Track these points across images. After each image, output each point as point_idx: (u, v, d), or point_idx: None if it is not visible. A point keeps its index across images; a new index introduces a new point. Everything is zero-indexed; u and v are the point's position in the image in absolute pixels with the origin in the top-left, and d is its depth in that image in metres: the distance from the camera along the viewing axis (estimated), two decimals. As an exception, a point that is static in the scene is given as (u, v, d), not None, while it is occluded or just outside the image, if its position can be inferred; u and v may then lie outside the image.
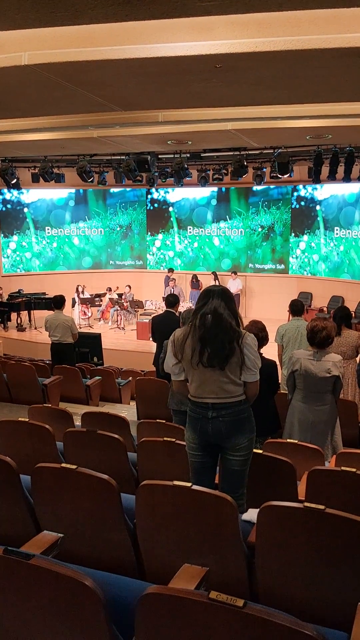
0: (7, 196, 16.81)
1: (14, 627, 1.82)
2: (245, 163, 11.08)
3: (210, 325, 3.11)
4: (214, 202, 17.30)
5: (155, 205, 18.14)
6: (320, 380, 4.49)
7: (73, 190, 17.55)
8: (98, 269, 18.29)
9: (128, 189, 17.92)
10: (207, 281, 16.47)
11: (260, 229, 16.85)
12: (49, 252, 17.74)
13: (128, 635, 1.75)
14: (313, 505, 2.19)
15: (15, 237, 17.22)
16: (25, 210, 17.28)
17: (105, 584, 1.88)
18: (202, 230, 17.59)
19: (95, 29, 4.05)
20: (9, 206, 17.06)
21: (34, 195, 17.21)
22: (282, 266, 16.69)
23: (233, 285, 15.55)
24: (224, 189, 16.92)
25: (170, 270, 16.98)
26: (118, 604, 1.88)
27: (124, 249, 18.50)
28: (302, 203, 16.16)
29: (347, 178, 11.30)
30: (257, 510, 2.32)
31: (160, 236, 18.13)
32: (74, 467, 2.58)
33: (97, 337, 11.22)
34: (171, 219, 17.92)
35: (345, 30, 3.74)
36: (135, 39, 4.06)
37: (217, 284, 14.90)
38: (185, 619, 1.52)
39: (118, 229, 18.38)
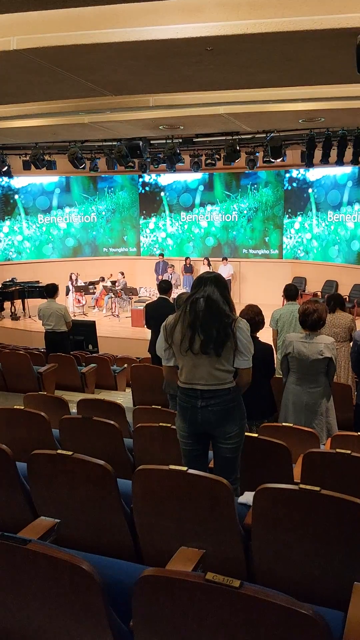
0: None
1: (12, 612, 1.83)
2: (237, 147, 11.02)
3: (203, 312, 3.11)
4: (205, 185, 17.28)
5: (147, 188, 18.07)
6: (313, 362, 4.51)
7: (64, 176, 17.43)
8: (90, 255, 18.22)
9: (119, 175, 17.81)
10: (199, 266, 16.51)
11: (246, 212, 16.86)
12: (40, 237, 17.65)
13: (126, 618, 1.76)
14: (308, 487, 2.21)
15: (7, 222, 17.11)
16: (16, 196, 17.16)
17: (103, 567, 1.89)
18: (192, 214, 17.57)
19: (84, 12, 4.00)
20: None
21: (24, 181, 17.05)
22: (276, 251, 16.72)
23: (224, 270, 15.57)
24: (215, 173, 16.87)
25: (161, 255, 16.98)
26: (115, 587, 1.89)
27: (116, 234, 18.44)
28: (295, 184, 16.17)
29: (339, 161, 11.25)
30: (253, 493, 2.33)
31: (153, 219, 18.08)
32: (69, 453, 2.58)
33: (91, 325, 11.21)
34: (163, 202, 17.87)
35: (337, 11, 3.70)
36: (125, 22, 4.01)
37: (210, 269, 14.97)
38: (182, 600, 1.53)
39: (104, 213, 18.29)
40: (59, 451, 2.63)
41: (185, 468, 2.43)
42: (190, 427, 3.22)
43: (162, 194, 17.86)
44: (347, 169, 14.26)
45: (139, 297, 15.54)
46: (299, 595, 1.57)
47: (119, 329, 13.96)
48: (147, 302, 8.87)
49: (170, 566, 1.94)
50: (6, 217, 17.05)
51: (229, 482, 2.40)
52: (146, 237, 18.28)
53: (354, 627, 1.74)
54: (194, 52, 4.34)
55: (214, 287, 3.17)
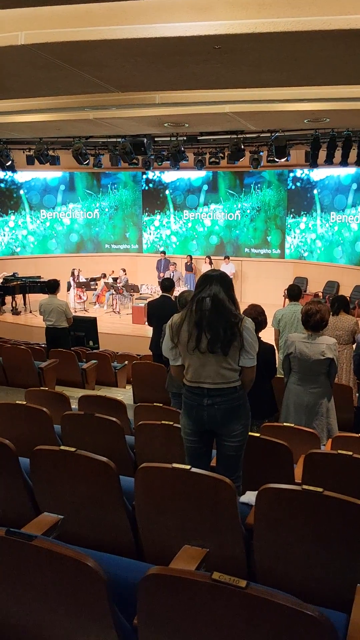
0: (1, 175, 16.63)
1: (16, 608, 1.83)
2: (242, 146, 11.01)
3: (210, 311, 3.11)
4: (209, 183, 17.26)
5: (151, 185, 18.05)
6: (314, 362, 4.51)
7: (67, 172, 17.41)
8: (93, 252, 18.20)
9: (122, 172, 17.79)
10: (200, 264, 16.51)
11: (249, 212, 16.85)
12: (44, 233, 17.66)
13: (129, 616, 1.76)
14: (311, 488, 2.20)
15: (12, 217, 17.12)
16: (21, 191, 17.15)
17: (106, 564, 1.88)
18: (195, 212, 17.55)
19: (93, 8, 3.99)
20: (2, 185, 16.93)
21: (28, 175, 17.04)
22: (278, 251, 16.71)
23: (226, 269, 15.56)
24: (219, 171, 16.85)
25: (163, 252, 16.97)
26: (119, 584, 1.89)
27: (119, 231, 18.41)
28: (299, 184, 16.15)
29: (344, 162, 11.24)
30: (255, 492, 2.34)
31: (157, 216, 18.06)
32: (72, 449, 2.58)
33: (92, 321, 11.19)
34: (167, 200, 17.84)
35: (346, 12, 3.69)
36: (133, 18, 4.00)
37: (212, 268, 14.95)
38: (187, 599, 1.53)
39: (107, 210, 18.26)
40: (62, 447, 2.63)
41: (188, 467, 2.43)
42: (196, 425, 3.22)
43: (166, 191, 17.84)
44: (351, 170, 14.24)
45: (140, 294, 15.53)
46: (300, 596, 1.58)
47: (120, 326, 13.96)
48: (149, 300, 8.87)
49: (174, 565, 1.94)
50: (10, 212, 17.06)
51: (232, 480, 2.41)
52: (150, 234, 18.25)
53: (358, 628, 1.74)
54: (202, 50, 4.33)
55: (219, 285, 3.18)
